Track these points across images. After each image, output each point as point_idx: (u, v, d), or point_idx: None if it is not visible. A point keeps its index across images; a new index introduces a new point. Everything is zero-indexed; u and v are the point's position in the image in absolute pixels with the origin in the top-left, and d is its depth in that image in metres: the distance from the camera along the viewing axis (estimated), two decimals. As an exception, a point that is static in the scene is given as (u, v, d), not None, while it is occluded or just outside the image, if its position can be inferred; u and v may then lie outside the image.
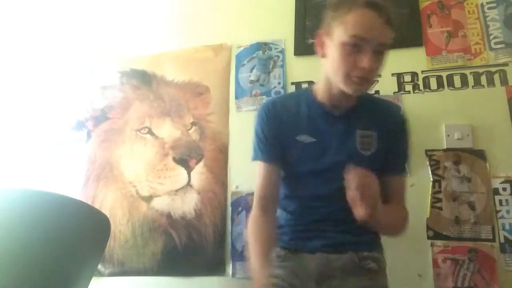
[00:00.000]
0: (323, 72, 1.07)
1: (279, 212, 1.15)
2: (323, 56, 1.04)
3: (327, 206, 1.06)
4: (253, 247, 1.07)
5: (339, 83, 0.99)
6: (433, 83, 1.61)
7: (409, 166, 1.51)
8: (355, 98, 1.07)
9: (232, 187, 1.68)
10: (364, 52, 0.94)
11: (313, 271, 1.02)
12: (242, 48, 1.86)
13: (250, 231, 1.10)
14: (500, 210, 1.42)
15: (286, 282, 1.01)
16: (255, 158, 1.15)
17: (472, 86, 1.57)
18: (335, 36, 0.97)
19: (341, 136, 1.08)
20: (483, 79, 1.57)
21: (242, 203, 1.65)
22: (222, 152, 1.74)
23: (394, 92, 1.62)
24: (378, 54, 0.96)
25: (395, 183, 1.11)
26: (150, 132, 1.81)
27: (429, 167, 1.51)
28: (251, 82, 1.80)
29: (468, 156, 1.49)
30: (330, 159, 1.06)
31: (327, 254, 1.03)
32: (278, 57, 1.80)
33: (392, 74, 1.65)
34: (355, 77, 0.96)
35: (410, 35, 1.69)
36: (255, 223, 1.10)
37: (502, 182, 1.44)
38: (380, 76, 1.65)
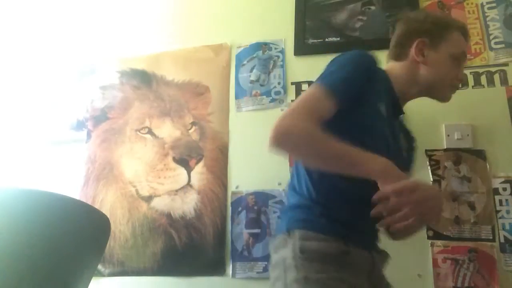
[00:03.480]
0: (411, 71, 1.13)
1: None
2: (423, 62, 1.12)
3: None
4: (338, 147, 0.88)
5: (440, 89, 1.14)
6: (433, 83, 1.60)
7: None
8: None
9: (232, 187, 1.68)
10: (460, 66, 1.15)
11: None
12: (242, 48, 1.86)
13: (316, 133, 0.88)
14: (500, 210, 1.42)
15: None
16: (330, 86, 0.93)
17: (472, 86, 1.57)
18: (442, 48, 1.11)
19: (396, 129, 1.12)
20: (483, 79, 1.57)
21: (242, 203, 1.64)
22: (222, 152, 1.74)
23: (394, 92, 1.62)
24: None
25: None
26: (150, 132, 1.81)
27: (429, 167, 1.51)
28: (251, 82, 1.80)
29: (468, 156, 1.49)
30: (392, 146, 1.04)
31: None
32: (278, 57, 1.80)
33: (392, 74, 1.65)
34: (453, 86, 1.16)
35: (410, 35, 1.69)
36: (316, 129, 0.88)
37: (502, 182, 1.44)
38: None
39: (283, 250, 0.93)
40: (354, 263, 0.92)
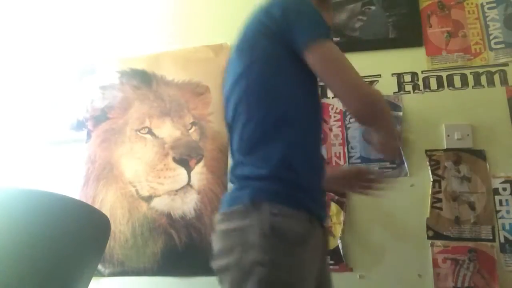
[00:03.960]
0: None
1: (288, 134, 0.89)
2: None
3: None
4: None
5: None
6: (433, 83, 1.61)
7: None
8: None
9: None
10: None
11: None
12: (242, 48, 1.86)
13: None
14: (500, 210, 1.42)
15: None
16: (327, 35, 0.89)
17: (472, 86, 1.57)
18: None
19: None
20: (483, 79, 1.57)
21: (242, 203, 1.64)
22: (222, 152, 1.74)
23: (394, 92, 1.62)
24: None
25: None
26: (150, 132, 1.81)
27: (429, 167, 1.51)
28: (251, 82, 1.80)
29: (468, 156, 1.49)
30: None
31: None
32: (278, 57, 1.80)
33: (392, 74, 1.65)
34: None
35: (410, 35, 1.69)
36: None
37: (502, 182, 1.44)
38: (380, 76, 1.66)
39: (242, 221, 0.81)
40: (316, 243, 0.86)
